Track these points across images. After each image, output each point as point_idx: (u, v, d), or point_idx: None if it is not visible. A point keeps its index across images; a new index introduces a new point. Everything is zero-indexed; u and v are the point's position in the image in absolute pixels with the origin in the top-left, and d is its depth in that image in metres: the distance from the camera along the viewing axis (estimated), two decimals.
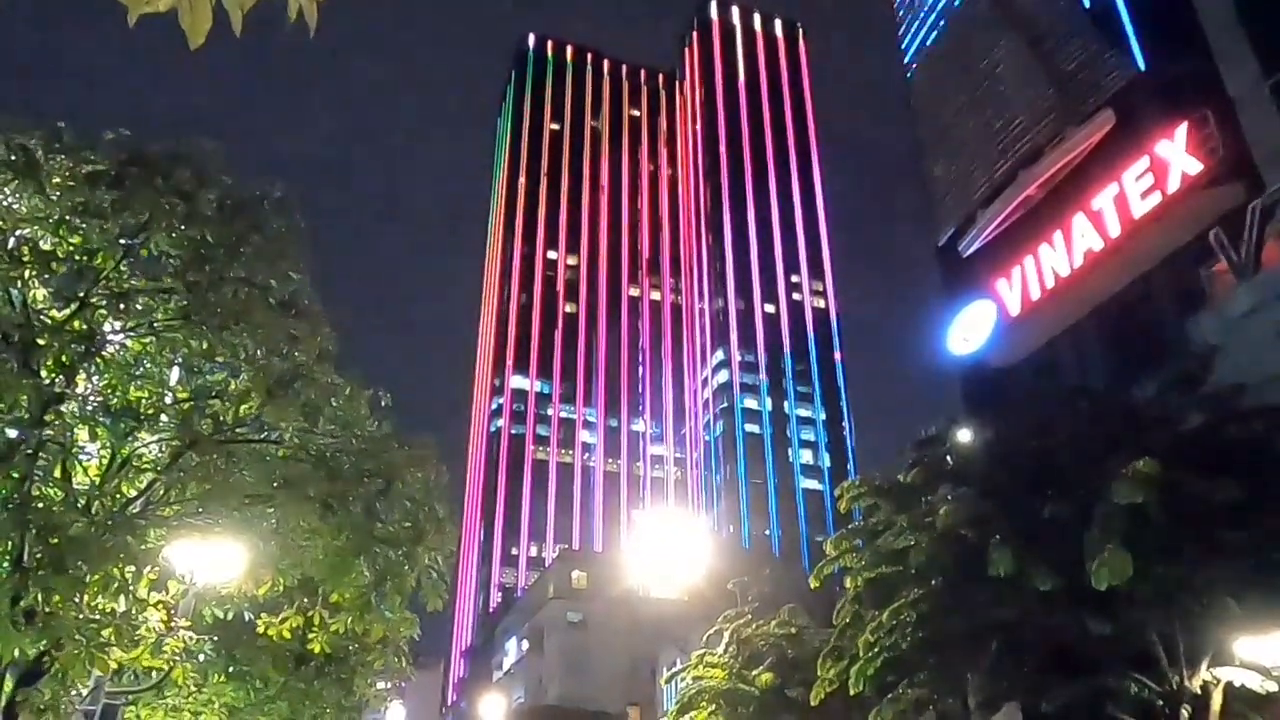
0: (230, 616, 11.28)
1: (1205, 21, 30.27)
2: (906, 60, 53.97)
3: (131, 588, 9.19)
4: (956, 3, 48.59)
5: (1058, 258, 34.98)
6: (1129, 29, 36.05)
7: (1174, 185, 30.51)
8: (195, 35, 3.33)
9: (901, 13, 55.12)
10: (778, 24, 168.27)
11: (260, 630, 12.13)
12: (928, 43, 51.43)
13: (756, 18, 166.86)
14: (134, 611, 9.60)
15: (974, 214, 43.12)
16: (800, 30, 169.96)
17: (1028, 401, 21.82)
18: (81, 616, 8.67)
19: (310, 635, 11.83)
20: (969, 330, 39.26)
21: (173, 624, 10.28)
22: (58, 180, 9.50)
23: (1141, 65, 35.25)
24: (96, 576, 8.55)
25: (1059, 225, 35.27)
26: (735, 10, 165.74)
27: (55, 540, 8.38)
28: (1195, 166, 30.03)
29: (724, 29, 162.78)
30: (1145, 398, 20.02)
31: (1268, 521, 14.96)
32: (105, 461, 10.45)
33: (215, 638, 12.05)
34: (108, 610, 9.16)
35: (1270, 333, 22.33)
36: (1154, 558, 14.95)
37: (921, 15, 52.46)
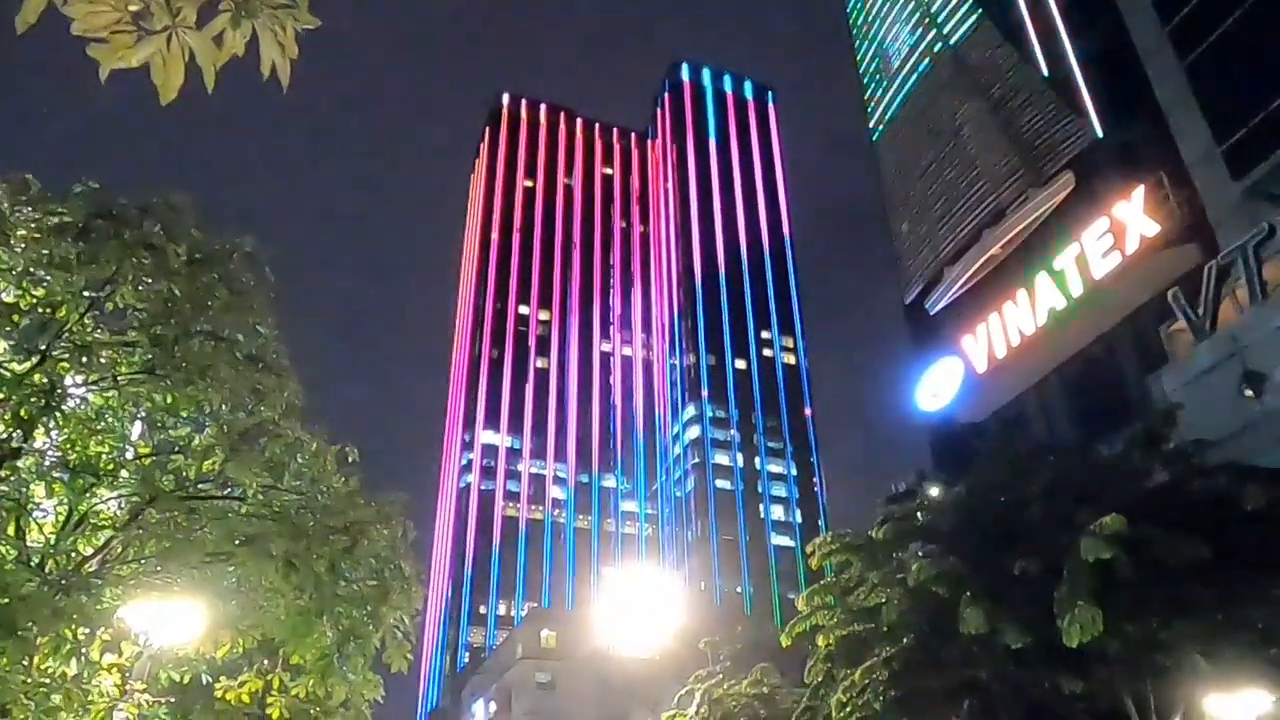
0: (187, 680, 10.93)
1: (1158, 90, 31.35)
2: (872, 123, 55.26)
3: (84, 650, 8.90)
4: (921, 67, 49.98)
5: (1022, 316, 35.57)
6: (1086, 96, 37.22)
7: (1133, 246, 31.27)
8: (167, 91, 3.34)
9: (866, 78, 56.58)
10: (748, 85, 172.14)
11: (218, 694, 11.75)
12: (893, 105, 52.76)
13: (727, 79, 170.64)
14: (86, 675, 9.28)
15: (940, 272, 43.85)
16: (770, 93, 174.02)
17: (996, 457, 21.98)
18: (30, 680, 8.37)
19: (270, 699, 11.47)
20: (937, 386, 39.63)
21: (127, 688, 9.94)
22: (23, 232, 9.41)
23: (1099, 130, 36.34)
24: (47, 638, 8.28)
25: (1023, 284, 35.96)
26: (706, 72, 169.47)
27: (5, 600, 8.12)
28: (1152, 228, 30.83)
29: (695, 90, 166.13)
30: (1111, 454, 20.26)
31: (1235, 578, 15.08)
32: (62, 518, 10.17)
33: (171, 700, 11.66)
34: (58, 674, 8.84)
35: (1229, 390, 22.77)
36: (1124, 614, 14.99)
37: (886, 78, 53.89)
